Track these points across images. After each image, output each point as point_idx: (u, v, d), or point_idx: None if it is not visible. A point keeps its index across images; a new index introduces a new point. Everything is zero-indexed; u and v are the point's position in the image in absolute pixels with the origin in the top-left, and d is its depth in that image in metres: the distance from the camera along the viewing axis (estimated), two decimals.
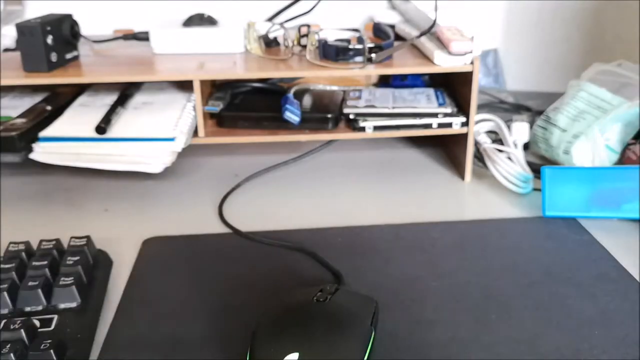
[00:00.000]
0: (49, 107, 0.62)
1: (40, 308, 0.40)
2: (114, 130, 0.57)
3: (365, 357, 0.35)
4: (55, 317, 0.39)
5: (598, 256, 0.49)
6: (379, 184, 0.63)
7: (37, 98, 0.64)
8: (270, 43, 0.68)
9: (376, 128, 0.61)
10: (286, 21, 0.79)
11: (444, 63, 0.59)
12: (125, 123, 0.58)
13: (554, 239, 0.51)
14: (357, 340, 0.35)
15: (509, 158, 0.61)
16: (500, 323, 0.41)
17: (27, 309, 0.40)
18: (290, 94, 0.63)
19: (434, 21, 0.62)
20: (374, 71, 0.65)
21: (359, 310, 0.38)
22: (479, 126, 0.65)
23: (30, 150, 0.55)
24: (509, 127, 0.63)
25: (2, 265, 0.42)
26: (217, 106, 0.62)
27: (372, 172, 0.66)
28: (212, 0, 0.75)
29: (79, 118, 0.59)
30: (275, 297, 0.40)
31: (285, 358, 0.33)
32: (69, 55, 0.61)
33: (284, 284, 0.45)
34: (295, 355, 0.33)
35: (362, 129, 0.61)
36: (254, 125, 0.62)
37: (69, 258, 0.43)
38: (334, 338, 0.35)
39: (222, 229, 0.54)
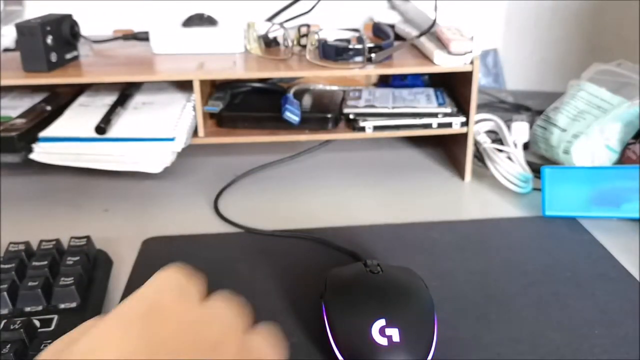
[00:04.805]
0: (48, 107, 0.62)
1: (40, 308, 0.40)
2: (113, 131, 0.57)
3: (435, 316, 0.38)
4: (55, 317, 0.39)
5: (598, 256, 0.49)
6: (379, 184, 0.63)
7: (37, 98, 0.64)
8: (270, 43, 0.68)
9: (376, 128, 0.61)
10: (286, 21, 0.79)
11: (443, 63, 0.59)
12: (125, 123, 0.58)
13: (554, 239, 0.51)
14: (426, 303, 0.38)
15: (509, 158, 0.61)
16: (500, 323, 0.41)
17: (27, 309, 0.40)
18: (290, 94, 0.63)
19: (434, 21, 0.62)
20: (374, 71, 0.65)
21: (410, 278, 0.40)
22: (479, 126, 0.65)
23: (30, 150, 0.55)
24: (508, 127, 0.63)
25: (2, 265, 0.42)
26: (217, 106, 0.62)
27: (372, 172, 0.66)
28: (212, 0, 0.75)
29: (78, 118, 0.59)
30: (330, 277, 0.41)
31: (374, 324, 0.35)
32: (68, 55, 0.61)
33: (292, 276, 0.46)
34: (382, 320, 0.35)
35: (362, 128, 0.61)
36: (254, 125, 0.62)
37: (69, 258, 0.43)
38: (409, 302, 0.37)
39: (222, 228, 0.54)
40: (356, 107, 0.62)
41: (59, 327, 0.38)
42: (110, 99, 0.62)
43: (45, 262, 0.42)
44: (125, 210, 0.58)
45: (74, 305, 0.40)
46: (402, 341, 0.35)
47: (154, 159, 0.55)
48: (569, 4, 0.88)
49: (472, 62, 0.58)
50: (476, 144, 0.64)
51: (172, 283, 0.26)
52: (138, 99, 0.64)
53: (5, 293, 0.40)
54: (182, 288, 0.26)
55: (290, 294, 0.44)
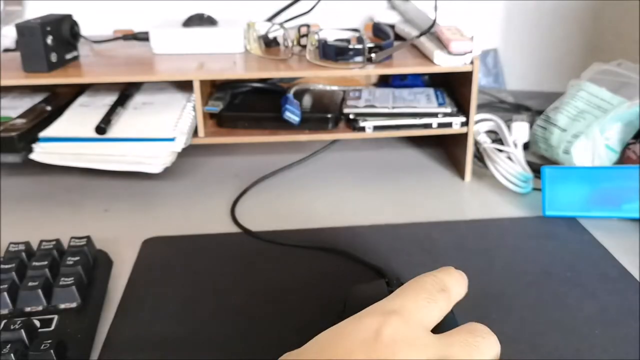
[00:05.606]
0: (49, 108, 0.62)
1: (40, 308, 0.40)
2: (113, 131, 0.57)
3: None
4: (55, 317, 0.39)
5: (598, 256, 0.49)
6: (379, 184, 0.63)
7: (37, 98, 0.64)
8: (270, 43, 0.68)
9: (376, 128, 0.61)
10: (286, 21, 0.79)
11: (443, 63, 0.59)
12: (125, 123, 0.58)
13: (554, 239, 0.51)
14: (452, 319, 0.36)
15: (509, 158, 0.61)
16: (500, 323, 0.41)
17: (27, 309, 0.40)
18: (290, 94, 0.63)
19: (434, 21, 0.62)
20: (374, 71, 0.65)
21: None
22: (479, 126, 0.65)
23: (30, 150, 0.55)
24: (508, 126, 0.63)
25: (2, 266, 0.42)
26: (217, 106, 0.62)
27: (372, 172, 0.66)
28: (212, 0, 0.75)
29: (79, 118, 0.59)
30: (350, 296, 0.39)
31: None
32: (68, 56, 0.61)
33: (286, 281, 0.45)
34: None
35: (362, 129, 0.61)
36: (254, 125, 0.62)
37: (69, 258, 0.43)
38: None
39: (222, 229, 0.54)
40: (356, 107, 0.62)
41: (59, 327, 0.38)
42: (110, 99, 0.62)
43: (45, 262, 0.42)
44: (125, 210, 0.58)
45: (74, 305, 0.40)
46: None
47: (154, 159, 0.55)
48: (569, 4, 0.88)
49: (472, 62, 0.58)
50: (476, 144, 0.64)
51: None
52: (138, 99, 0.64)
53: (5, 293, 0.40)
54: None
55: (290, 298, 0.44)
